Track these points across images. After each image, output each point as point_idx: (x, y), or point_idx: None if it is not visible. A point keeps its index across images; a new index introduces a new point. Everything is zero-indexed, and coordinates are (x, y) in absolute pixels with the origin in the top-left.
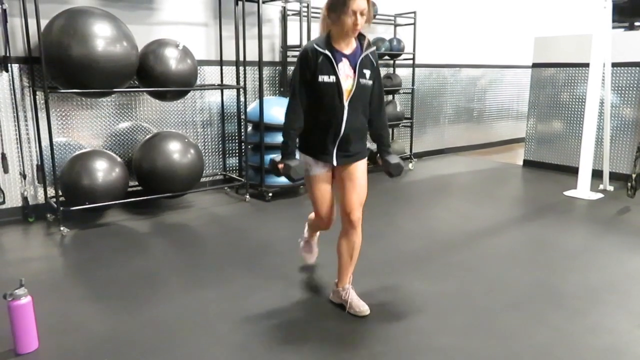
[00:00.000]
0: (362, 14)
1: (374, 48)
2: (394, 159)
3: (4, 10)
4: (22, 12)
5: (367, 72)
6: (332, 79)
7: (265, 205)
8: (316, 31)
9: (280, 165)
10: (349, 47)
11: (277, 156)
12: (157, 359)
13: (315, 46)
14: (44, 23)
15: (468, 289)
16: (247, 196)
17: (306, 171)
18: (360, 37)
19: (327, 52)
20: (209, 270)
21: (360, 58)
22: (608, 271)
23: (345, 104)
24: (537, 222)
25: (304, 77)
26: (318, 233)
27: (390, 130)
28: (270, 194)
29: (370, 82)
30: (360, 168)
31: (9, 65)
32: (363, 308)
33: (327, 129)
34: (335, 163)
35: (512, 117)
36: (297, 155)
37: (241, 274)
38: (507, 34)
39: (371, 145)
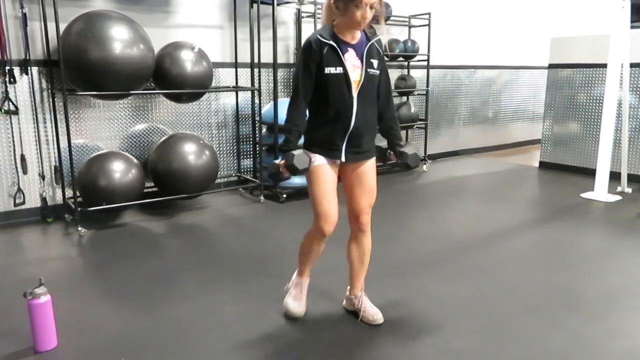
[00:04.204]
0: (371, 7)
1: (379, 37)
2: (410, 150)
3: (24, 15)
4: (42, 16)
5: (375, 62)
6: (339, 70)
7: (279, 206)
8: None
9: (282, 162)
10: (354, 37)
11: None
12: (173, 358)
13: (319, 37)
14: (62, 27)
15: (483, 292)
16: (262, 197)
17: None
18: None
19: (332, 42)
20: (224, 271)
21: (367, 47)
22: (626, 275)
23: (354, 95)
24: (554, 225)
25: (308, 70)
26: (309, 269)
27: (402, 130)
28: (285, 195)
29: (378, 72)
30: (370, 168)
31: (29, 68)
32: (377, 317)
33: (335, 124)
34: (343, 159)
35: (527, 119)
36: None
37: (256, 275)
38: (523, 35)
39: (379, 142)
